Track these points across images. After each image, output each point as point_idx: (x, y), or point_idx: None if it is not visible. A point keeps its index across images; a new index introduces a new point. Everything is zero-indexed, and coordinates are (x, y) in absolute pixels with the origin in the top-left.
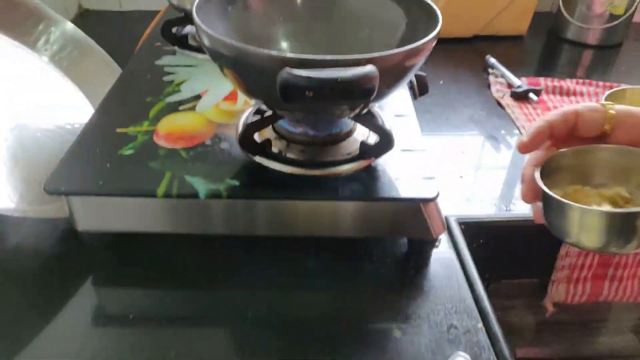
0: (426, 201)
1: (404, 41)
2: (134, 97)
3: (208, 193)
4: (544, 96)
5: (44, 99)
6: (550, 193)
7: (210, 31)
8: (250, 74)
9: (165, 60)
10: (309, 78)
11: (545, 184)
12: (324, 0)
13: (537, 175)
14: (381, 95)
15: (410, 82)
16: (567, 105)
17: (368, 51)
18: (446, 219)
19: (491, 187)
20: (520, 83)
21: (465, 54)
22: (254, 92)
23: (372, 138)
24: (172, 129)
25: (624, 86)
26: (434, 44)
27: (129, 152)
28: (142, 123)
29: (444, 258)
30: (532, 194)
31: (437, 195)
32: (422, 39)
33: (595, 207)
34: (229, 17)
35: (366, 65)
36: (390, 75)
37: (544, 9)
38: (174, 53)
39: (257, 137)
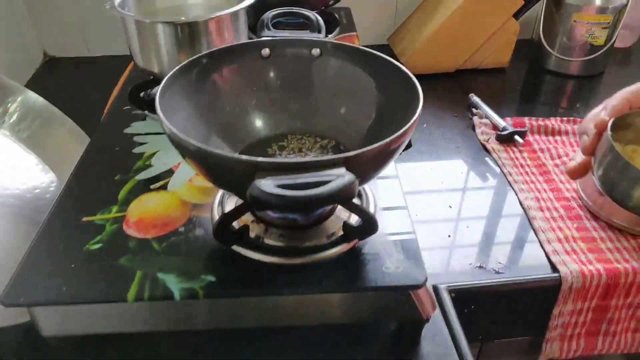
0: (415, 288)
1: (381, 108)
2: (102, 175)
3: (183, 294)
4: (530, 137)
5: (4, 177)
6: (621, 154)
7: (175, 130)
8: (219, 174)
9: (135, 127)
10: (282, 197)
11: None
12: (298, 71)
13: (609, 129)
14: (367, 180)
15: None
16: None
17: (344, 122)
18: (436, 288)
19: (479, 244)
20: (505, 124)
21: (449, 89)
22: (222, 187)
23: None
24: (143, 214)
25: None
26: (416, 123)
27: (96, 246)
28: (111, 209)
29: (436, 332)
30: (593, 148)
31: (426, 280)
32: (399, 105)
33: None
34: (199, 92)
35: (344, 171)
36: (374, 164)
37: (525, 36)
38: (144, 118)
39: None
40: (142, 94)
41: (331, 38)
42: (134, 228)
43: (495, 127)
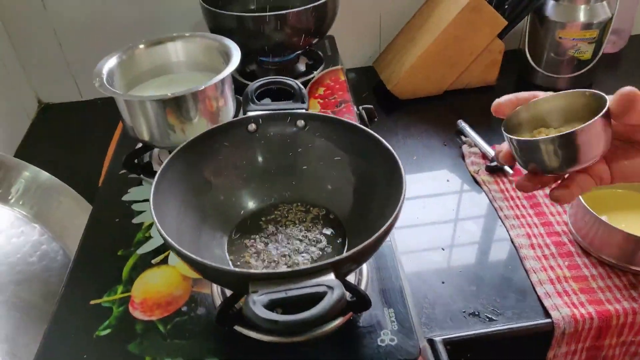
0: None
1: (365, 178)
2: (104, 251)
3: None
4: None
5: (12, 252)
6: (509, 136)
7: (170, 239)
8: (214, 279)
9: (132, 194)
10: (275, 322)
11: (515, 133)
12: (284, 142)
13: (503, 128)
14: (361, 264)
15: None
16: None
17: (332, 189)
18: (432, 341)
19: (473, 290)
20: (495, 153)
21: (438, 113)
22: (217, 284)
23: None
24: (147, 293)
25: None
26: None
27: (106, 332)
28: (116, 289)
29: None
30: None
31: (420, 351)
32: (381, 176)
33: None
34: (191, 175)
35: (332, 279)
36: (362, 257)
37: (511, 47)
38: (140, 182)
39: None
40: (136, 160)
41: (316, 75)
42: (140, 309)
43: (484, 156)
